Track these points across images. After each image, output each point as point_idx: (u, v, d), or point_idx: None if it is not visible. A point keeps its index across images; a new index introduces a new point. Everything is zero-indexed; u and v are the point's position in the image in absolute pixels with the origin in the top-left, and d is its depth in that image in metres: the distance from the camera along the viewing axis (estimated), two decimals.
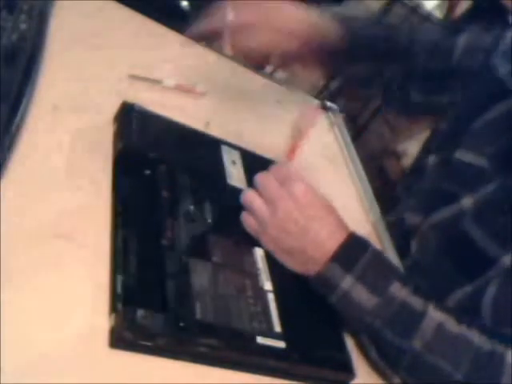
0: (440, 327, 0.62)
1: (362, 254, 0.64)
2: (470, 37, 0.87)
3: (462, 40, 0.87)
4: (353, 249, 0.64)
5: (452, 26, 0.93)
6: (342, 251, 0.63)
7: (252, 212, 0.66)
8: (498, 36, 0.83)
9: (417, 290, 0.64)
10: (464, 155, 0.78)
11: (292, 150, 0.77)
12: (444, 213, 0.78)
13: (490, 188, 0.74)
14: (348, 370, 0.62)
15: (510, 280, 0.68)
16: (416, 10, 2.31)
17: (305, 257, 0.64)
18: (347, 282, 0.62)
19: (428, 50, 0.88)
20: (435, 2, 2.36)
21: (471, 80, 0.83)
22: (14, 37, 0.64)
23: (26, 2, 0.69)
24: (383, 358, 0.66)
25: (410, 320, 0.63)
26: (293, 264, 0.66)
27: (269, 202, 0.65)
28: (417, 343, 0.62)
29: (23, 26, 0.67)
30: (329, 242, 0.64)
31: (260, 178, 0.68)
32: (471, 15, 2.32)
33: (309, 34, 0.79)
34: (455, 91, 0.86)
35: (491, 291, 0.69)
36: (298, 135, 0.75)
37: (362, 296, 0.62)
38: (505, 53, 0.80)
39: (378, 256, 0.65)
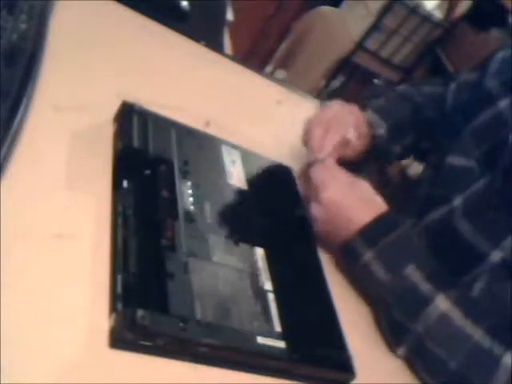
0: (444, 316, 0.65)
1: (388, 232, 0.70)
2: (461, 79, 0.94)
3: (452, 86, 0.95)
4: (381, 226, 0.71)
5: (448, 77, 1.05)
6: (371, 227, 0.70)
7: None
8: (486, 64, 0.88)
9: (432, 277, 0.68)
10: (454, 160, 0.82)
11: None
12: (436, 214, 0.80)
13: (477, 185, 0.76)
14: (348, 370, 0.62)
15: (497, 275, 0.70)
16: (416, 10, 2.31)
17: (340, 222, 0.72)
18: (368, 256, 0.69)
19: (430, 101, 0.97)
20: (435, 2, 2.36)
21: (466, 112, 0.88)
22: (14, 37, 0.64)
23: (26, 2, 0.69)
24: (390, 332, 0.70)
25: (416, 303, 0.67)
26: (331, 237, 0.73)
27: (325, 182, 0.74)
28: (419, 327, 0.66)
29: (23, 26, 0.67)
30: (363, 215, 0.71)
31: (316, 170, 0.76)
32: (471, 15, 2.32)
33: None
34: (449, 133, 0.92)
35: (477, 286, 0.71)
36: None
37: (379, 271, 0.69)
38: (495, 72, 0.84)
39: (405, 237, 0.71)
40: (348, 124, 0.85)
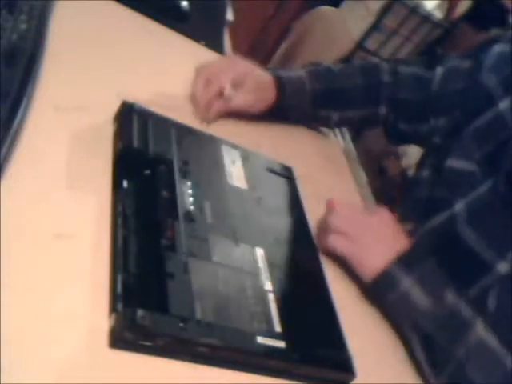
0: (482, 343, 0.65)
1: (425, 257, 0.70)
2: (449, 64, 0.92)
3: (440, 69, 0.92)
4: (418, 252, 0.70)
5: (433, 58, 1.00)
6: (409, 252, 0.69)
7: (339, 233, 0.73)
8: (479, 54, 0.87)
9: (468, 302, 0.67)
10: (455, 162, 0.80)
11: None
12: (438, 219, 0.79)
13: (480, 190, 0.75)
14: (348, 370, 0.62)
15: (508, 289, 0.69)
16: (416, 10, 2.31)
17: (371, 253, 0.70)
18: (407, 283, 0.67)
19: (409, 82, 0.95)
20: (435, 2, 2.36)
21: (455, 100, 0.88)
22: (14, 37, 0.64)
23: (26, 2, 0.69)
24: (430, 362, 0.68)
25: (458, 328, 0.66)
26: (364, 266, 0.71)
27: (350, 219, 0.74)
28: (461, 353, 0.65)
29: (23, 26, 0.67)
30: (395, 244, 0.70)
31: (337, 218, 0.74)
32: (471, 15, 2.32)
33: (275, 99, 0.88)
34: (437, 117, 0.91)
35: (492, 303, 0.69)
36: None
37: (419, 297, 0.67)
38: (492, 67, 0.83)
39: (436, 265, 0.70)
40: (227, 77, 0.82)
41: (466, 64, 0.89)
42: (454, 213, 0.76)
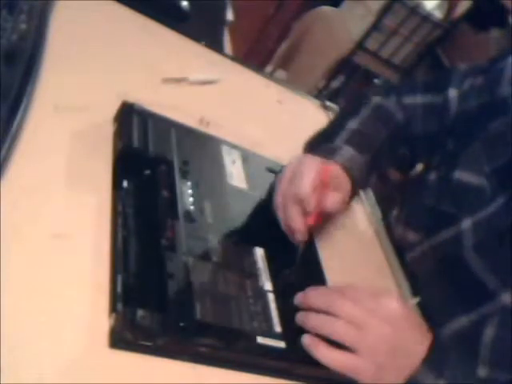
0: None
1: (448, 355, 0.62)
2: (463, 86, 0.85)
3: (453, 92, 0.85)
4: (440, 351, 0.62)
5: (440, 77, 0.93)
6: (431, 355, 0.61)
7: (336, 335, 0.59)
8: (494, 67, 0.82)
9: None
10: (463, 175, 0.77)
11: (314, 216, 0.69)
12: (444, 235, 0.76)
13: (489, 210, 0.72)
14: None
15: (508, 320, 0.67)
16: (416, 9, 2.31)
17: (395, 366, 0.60)
18: None
19: (420, 115, 0.87)
20: (435, 2, 2.36)
21: (471, 117, 0.81)
22: (14, 37, 0.64)
23: (26, 2, 0.69)
24: None
25: None
26: (384, 378, 0.60)
27: (356, 325, 0.59)
28: None
29: (23, 26, 0.67)
30: (418, 348, 0.61)
31: (338, 301, 0.61)
32: (471, 15, 2.32)
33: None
34: (455, 138, 0.84)
35: (491, 331, 0.68)
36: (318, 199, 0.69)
37: None
38: (510, 80, 0.77)
39: (454, 350, 0.64)
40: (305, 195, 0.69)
41: (479, 80, 0.83)
42: (461, 231, 0.73)
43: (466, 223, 0.73)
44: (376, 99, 0.88)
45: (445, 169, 0.82)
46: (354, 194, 0.78)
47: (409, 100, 0.88)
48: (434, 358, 0.61)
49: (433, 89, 0.88)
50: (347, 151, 0.78)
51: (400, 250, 0.86)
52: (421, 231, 0.81)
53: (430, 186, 0.84)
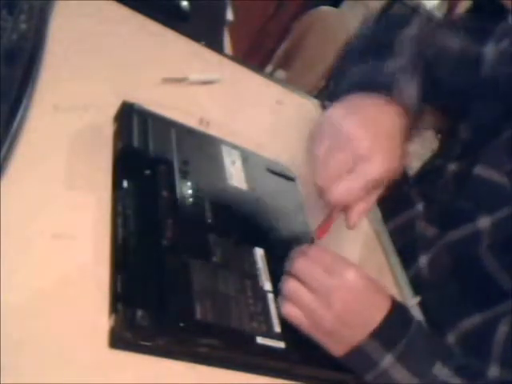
0: None
1: (404, 331, 0.60)
2: (502, 45, 0.76)
3: (491, 48, 0.77)
4: (395, 325, 0.60)
5: (477, 29, 0.80)
6: (384, 327, 0.58)
7: (297, 303, 0.59)
8: None
9: (459, 370, 0.60)
10: (483, 171, 0.74)
11: (323, 229, 0.68)
12: (460, 232, 0.74)
13: (508, 210, 0.70)
14: (348, 370, 0.62)
15: None
16: (416, 10, 2.31)
17: (348, 334, 0.59)
18: (387, 361, 0.59)
19: (451, 62, 0.79)
20: (435, 2, 2.37)
21: (506, 88, 0.74)
22: (14, 37, 0.64)
23: (26, 2, 0.69)
24: None
25: None
26: (333, 343, 0.60)
27: (319, 293, 0.58)
28: None
29: (23, 26, 0.67)
30: (373, 316, 0.59)
31: (301, 264, 0.60)
32: (471, 15, 2.32)
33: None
34: (480, 104, 0.78)
35: (503, 330, 0.67)
36: (328, 213, 0.67)
37: (403, 377, 0.59)
38: None
39: (420, 332, 0.61)
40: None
41: None
42: (478, 229, 0.72)
43: (484, 222, 0.72)
44: (409, 31, 0.79)
45: (465, 162, 0.78)
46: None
47: (443, 38, 0.79)
48: (387, 332, 0.59)
49: (475, 33, 0.79)
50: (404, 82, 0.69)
51: (414, 249, 0.82)
52: (437, 226, 0.79)
53: (447, 179, 0.81)
